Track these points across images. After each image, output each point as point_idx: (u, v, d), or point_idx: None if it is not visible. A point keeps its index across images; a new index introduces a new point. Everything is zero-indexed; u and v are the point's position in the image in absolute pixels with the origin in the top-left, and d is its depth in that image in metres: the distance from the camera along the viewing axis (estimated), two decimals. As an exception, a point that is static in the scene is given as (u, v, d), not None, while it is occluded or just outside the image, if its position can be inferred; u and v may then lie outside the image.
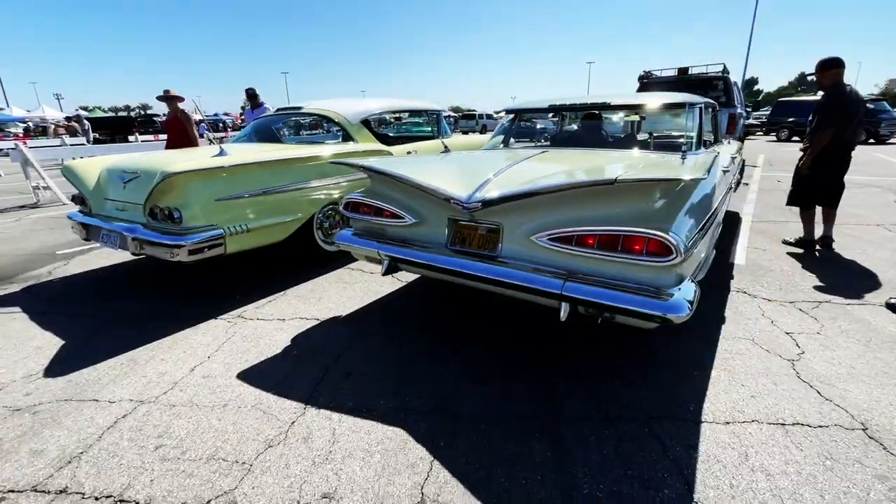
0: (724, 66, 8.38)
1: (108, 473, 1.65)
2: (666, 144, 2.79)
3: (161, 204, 2.92)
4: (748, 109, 13.46)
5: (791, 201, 4.14)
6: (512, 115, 3.88)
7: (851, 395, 2.03)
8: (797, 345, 2.46)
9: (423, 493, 1.55)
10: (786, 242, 4.24)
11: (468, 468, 1.65)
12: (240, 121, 31.43)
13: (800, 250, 4.05)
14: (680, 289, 1.77)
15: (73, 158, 4.79)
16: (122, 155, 3.83)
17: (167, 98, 5.62)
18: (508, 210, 2.09)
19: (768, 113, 19.86)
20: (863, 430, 1.81)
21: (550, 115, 4.39)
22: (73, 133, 17.94)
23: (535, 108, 3.81)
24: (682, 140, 2.95)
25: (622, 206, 1.87)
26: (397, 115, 6.26)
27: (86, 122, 17.44)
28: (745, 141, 14.02)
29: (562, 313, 1.92)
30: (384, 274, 2.51)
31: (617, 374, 2.22)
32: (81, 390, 2.16)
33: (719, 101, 8.02)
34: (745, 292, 3.17)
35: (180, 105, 5.71)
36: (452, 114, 33.47)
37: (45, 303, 3.24)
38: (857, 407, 1.95)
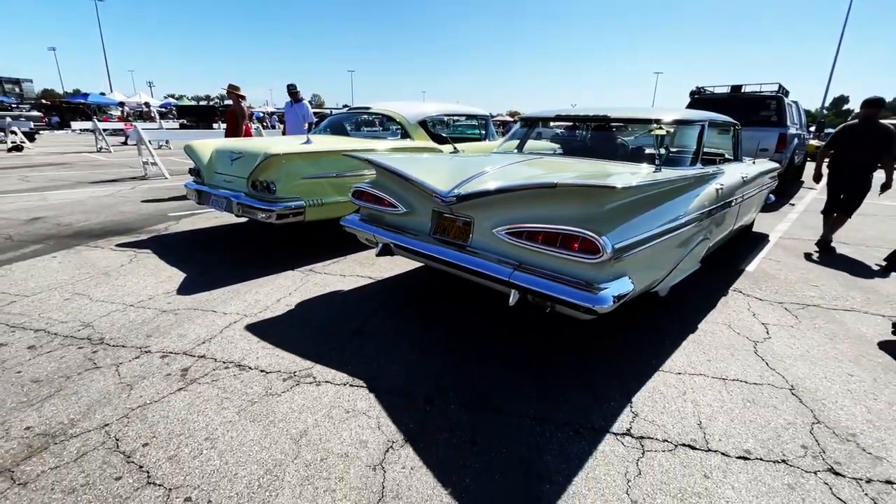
0: (780, 86, 8.39)
1: (229, 351, 2.45)
2: (669, 159, 3.03)
3: (261, 178, 3.77)
4: (811, 130, 12.95)
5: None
6: (525, 122, 4.05)
7: (794, 369, 2.46)
8: (767, 332, 2.89)
9: (438, 387, 2.21)
10: (807, 254, 4.72)
11: (470, 378, 2.29)
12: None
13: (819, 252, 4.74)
14: (610, 285, 1.97)
15: (167, 141, 5.83)
16: (226, 139, 4.78)
17: (230, 92, 6.68)
18: (478, 205, 2.35)
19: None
20: (790, 389, 2.27)
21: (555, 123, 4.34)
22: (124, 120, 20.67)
23: (543, 118, 4.00)
24: (685, 154, 3.20)
25: (570, 207, 2.08)
26: (451, 117, 6.97)
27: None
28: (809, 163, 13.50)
29: (511, 299, 2.17)
30: (378, 255, 2.82)
31: (599, 339, 2.76)
32: (204, 304, 3.01)
33: (770, 120, 8.10)
34: (741, 292, 3.57)
35: (241, 100, 6.71)
36: (510, 119, 33.71)
37: (167, 248, 4.22)
38: (794, 376, 2.39)
